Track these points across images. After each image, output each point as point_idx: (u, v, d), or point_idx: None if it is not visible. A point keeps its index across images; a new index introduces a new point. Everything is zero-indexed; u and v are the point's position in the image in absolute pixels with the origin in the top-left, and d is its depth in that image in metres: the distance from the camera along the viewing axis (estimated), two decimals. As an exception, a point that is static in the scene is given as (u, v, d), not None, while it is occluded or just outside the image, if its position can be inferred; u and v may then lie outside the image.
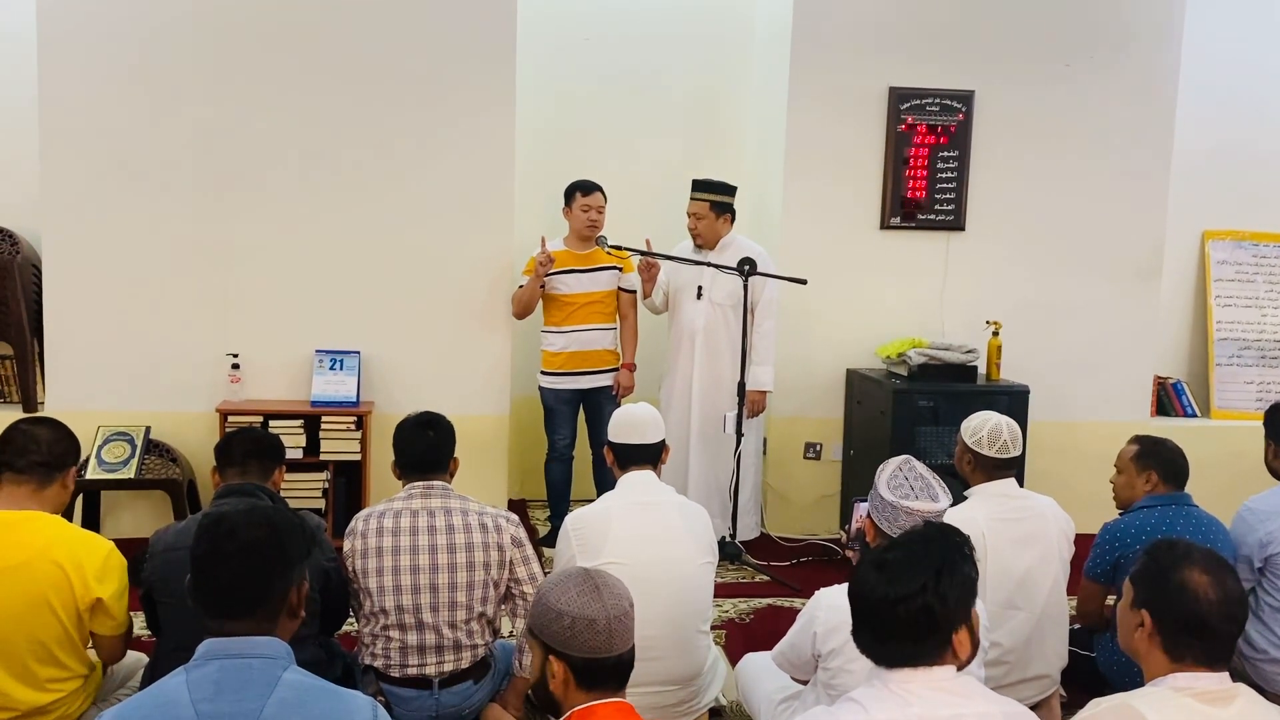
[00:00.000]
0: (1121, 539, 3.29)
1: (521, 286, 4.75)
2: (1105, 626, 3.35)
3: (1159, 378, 5.67)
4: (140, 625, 2.85)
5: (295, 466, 4.49)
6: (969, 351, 4.92)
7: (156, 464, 4.59)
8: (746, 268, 4.58)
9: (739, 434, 4.67)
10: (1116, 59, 5.27)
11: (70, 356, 4.69)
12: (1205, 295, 5.87)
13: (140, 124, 4.64)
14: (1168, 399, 5.73)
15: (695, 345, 4.87)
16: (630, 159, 5.46)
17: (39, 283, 4.74)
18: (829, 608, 2.54)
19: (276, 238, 4.76)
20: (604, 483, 4.74)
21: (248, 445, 2.89)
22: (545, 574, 2.86)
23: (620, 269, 4.86)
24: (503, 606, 3.01)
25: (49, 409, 4.57)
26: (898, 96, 5.13)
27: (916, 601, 1.81)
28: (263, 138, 4.71)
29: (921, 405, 4.75)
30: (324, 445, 4.67)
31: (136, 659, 2.98)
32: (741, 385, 4.66)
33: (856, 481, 5.05)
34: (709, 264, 4.73)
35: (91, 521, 4.62)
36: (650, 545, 2.98)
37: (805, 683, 2.78)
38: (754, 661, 3.14)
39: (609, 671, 1.95)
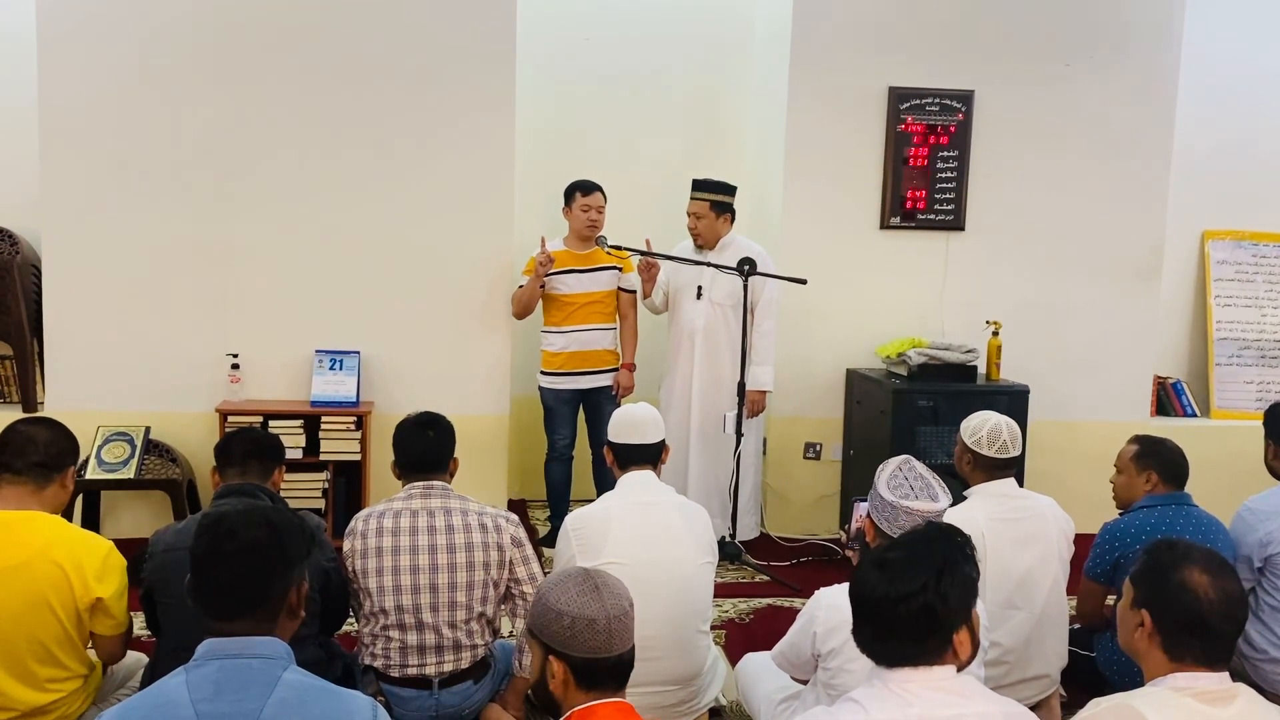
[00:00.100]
0: (1121, 539, 3.29)
1: (521, 286, 4.75)
2: (1105, 626, 3.35)
3: (1159, 378, 5.67)
4: (140, 625, 2.84)
5: (295, 466, 4.49)
6: (969, 351, 4.92)
7: (156, 464, 4.59)
8: (746, 268, 4.58)
9: (739, 434, 4.67)
10: (1116, 59, 5.26)
11: (70, 356, 4.69)
12: (1205, 295, 5.87)
13: (140, 124, 4.64)
14: (1167, 399, 5.73)
15: (695, 345, 4.87)
16: (630, 159, 5.46)
17: (39, 283, 4.74)
18: (829, 607, 2.54)
19: (276, 238, 4.76)
20: (604, 483, 4.74)
21: (247, 445, 2.89)
22: (545, 574, 2.86)
23: (620, 269, 4.86)
24: (502, 606, 3.01)
25: (49, 409, 4.57)
26: (897, 96, 5.13)
27: (917, 601, 1.81)
28: (263, 138, 4.71)
29: (921, 405, 4.75)
30: (324, 445, 4.67)
31: (136, 659, 2.98)
32: (741, 385, 4.66)
33: (856, 481, 5.05)
34: (709, 264, 4.73)
35: (91, 521, 4.62)
36: (650, 545, 2.98)
37: (805, 683, 2.78)
38: (754, 661, 3.14)
39: (609, 671, 1.95)
